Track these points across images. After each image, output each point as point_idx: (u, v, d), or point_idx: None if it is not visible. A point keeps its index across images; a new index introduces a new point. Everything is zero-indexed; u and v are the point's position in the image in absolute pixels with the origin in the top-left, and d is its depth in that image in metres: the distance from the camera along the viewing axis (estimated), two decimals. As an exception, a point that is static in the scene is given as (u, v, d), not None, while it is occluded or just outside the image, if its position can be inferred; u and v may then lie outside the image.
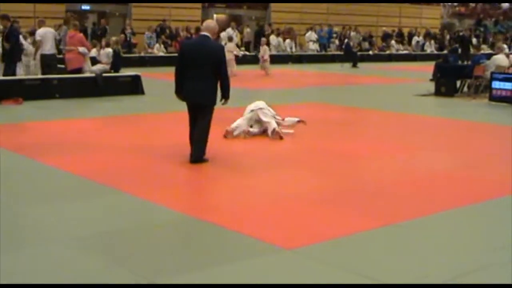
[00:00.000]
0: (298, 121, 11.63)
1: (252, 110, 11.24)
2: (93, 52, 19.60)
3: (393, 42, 40.08)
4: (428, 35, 42.32)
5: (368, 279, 4.89)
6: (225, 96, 9.04)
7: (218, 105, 8.98)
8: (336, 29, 38.63)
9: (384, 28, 41.17)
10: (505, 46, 39.12)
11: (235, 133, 10.87)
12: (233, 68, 23.71)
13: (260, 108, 11.24)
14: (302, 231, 6.07)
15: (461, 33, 37.88)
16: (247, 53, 31.90)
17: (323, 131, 11.74)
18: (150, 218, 6.47)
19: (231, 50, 24.13)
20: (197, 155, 8.91)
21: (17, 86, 15.50)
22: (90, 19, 33.22)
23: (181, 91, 9.00)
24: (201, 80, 8.82)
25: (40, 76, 16.49)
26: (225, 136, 10.77)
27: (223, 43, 24.84)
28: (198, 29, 30.57)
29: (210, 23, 9.33)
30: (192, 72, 8.81)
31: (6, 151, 9.40)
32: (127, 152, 9.80)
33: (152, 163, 9.07)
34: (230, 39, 26.26)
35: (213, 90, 8.92)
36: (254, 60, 28.63)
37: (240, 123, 11.01)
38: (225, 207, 6.92)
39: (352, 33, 37.27)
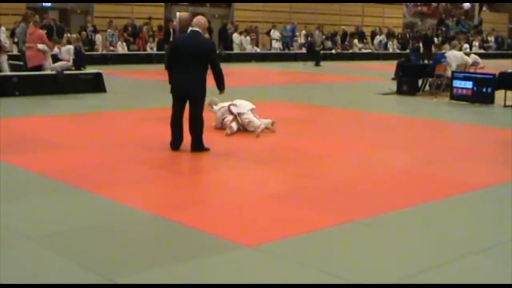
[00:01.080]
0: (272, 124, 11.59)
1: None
2: (54, 50, 19.38)
3: (355, 41, 40.29)
4: (390, 35, 42.60)
5: (331, 276, 4.89)
6: (221, 87, 9.72)
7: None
8: (299, 28, 38.75)
9: (343, 27, 41.35)
10: (466, 45, 39.62)
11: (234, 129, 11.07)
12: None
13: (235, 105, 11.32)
14: (264, 228, 6.06)
15: (423, 32, 38.21)
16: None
17: (285, 129, 11.74)
18: (111, 216, 6.41)
19: None
20: (198, 144, 9.45)
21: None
22: (50, 16, 32.85)
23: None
24: (193, 73, 9.26)
25: (-1, 73, 16.26)
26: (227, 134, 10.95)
27: None
28: (160, 27, 30.55)
29: (200, 19, 9.62)
30: (184, 65, 9.23)
31: (-36, 149, 9.24)
32: (89, 150, 9.70)
33: (114, 161, 8.99)
34: None
35: (203, 82, 9.38)
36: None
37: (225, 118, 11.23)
38: (187, 205, 6.88)
39: (316, 32, 37.37)
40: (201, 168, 8.77)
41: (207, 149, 9.49)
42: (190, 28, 9.62)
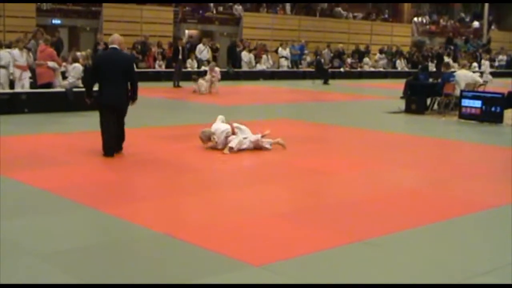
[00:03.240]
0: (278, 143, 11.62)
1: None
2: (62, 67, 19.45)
3: (366, 59, 40.30)
4: (398, 53, 42.61)
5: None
6: (134, 98, 10.68)
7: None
8: (308, 46, 38.82)
9: (352, 47, 41.47)
10: (475, 64, 39.64)
11: (241, 147, 11.10)
12: (205, 86, 23.64)
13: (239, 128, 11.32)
14: (271, 247, 6.05)
15: (435, 51, 38.25)
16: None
17: (293, 147, 11.74)
18: (117, 234, 6.41)
19: (213, 70, 24.23)
20: (120, 147, 10.62)
21: (-16, 100, 15.35)
22: (60, 33, 33.06)
23: (91, 96, 10.74)
24: (117, 86, 10.40)
25: (8, 90, 16.31)
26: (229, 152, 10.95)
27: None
28: (170, 45, 30.62)
29: (117, 37, 10.72)
30: (109, 79, 10.33)
31: (-27, 166, 9.27)
32: (97, 167, 9.74)
33: (122, 178, 9.02)
34: (209, 61, 26.15)
35: (126, 94, 10.55)
36: (225, 76, 28.46)
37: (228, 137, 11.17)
38: (194, 223, 6.88)
39: (324, 50, 37.44)
40: (208, 187, 8.76)
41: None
42: (110, 46, 10.75)
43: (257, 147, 11.20)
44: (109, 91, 10.35)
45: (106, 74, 10.33)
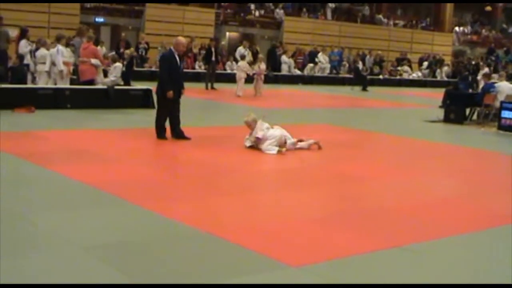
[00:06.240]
0: (314, 143, 11.84)
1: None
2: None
3: (406, 67, 40.17)
4: (439, 62, 42.40)
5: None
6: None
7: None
8: (347, 52, 38.81)
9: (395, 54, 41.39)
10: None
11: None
12: (241, 87, 23.68)
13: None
14: (308, 249, 6.14)
15: (474, 62, 38.03)
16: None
17: (332, 152, 11.82)
18: (158, 231, 6.53)
19: (243, 69, 24.09)
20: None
21: (30, 95, 15.68)
22: (103, 31, 33.52)
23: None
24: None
25: (52, 86, 16.61)
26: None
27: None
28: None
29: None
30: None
31: (17, 159, 9.51)
32: (138, 164, 9.90)
33: (162, 176, 9.17)
34: (242, 57, 26.10)
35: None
36: (264, 79, 28.48)
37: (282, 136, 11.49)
38: (233, 223, 6.98)
39: (366, 57, 37.45)
40: (246, 188, 8.87)
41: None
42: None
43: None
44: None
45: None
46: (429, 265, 5.91)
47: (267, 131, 11.35)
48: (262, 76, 24.71)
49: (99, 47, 23.64)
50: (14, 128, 12.33)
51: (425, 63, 41.60)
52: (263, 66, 24.87)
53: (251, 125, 11.47)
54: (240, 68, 24.11)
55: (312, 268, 5.54)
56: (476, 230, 7.26)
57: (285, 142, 11.36)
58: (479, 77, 26.20)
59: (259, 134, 11.29)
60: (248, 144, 11.49)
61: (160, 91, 12.24)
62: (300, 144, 11.67)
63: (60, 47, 16.68)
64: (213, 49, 26.71)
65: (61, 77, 16.63)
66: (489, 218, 7.85)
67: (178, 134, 12.17)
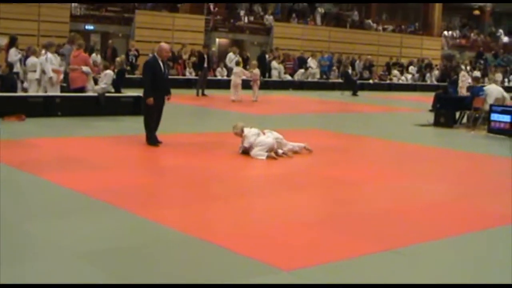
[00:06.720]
0: (304, 148, 11.89)
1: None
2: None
3: (395, 71, 40.30)
4: (428, 66, 42.57)
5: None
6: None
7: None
8: (337, 56, 38.92)
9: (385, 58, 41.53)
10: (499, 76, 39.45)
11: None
12: (238, 93, 23.77)
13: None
14: (300, 253, 6.16)
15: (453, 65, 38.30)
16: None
17: (321, 157, 11.85)
18: (149, 237, 6.55)
19: (239, 75, 24.21)
20: None
21: (20, 103, 15.66)
22: (92, 39, 33.50)
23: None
24: None
25: (42, 93, 16.59)
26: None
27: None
28: (192, 53, 30.77)
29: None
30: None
31: (8, 167, 9.49)
32: (129, 171, 9.91)
33: (152, 182, 9.18)
34: (237, 63, 26.16)
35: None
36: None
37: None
38: (224, 228, 7.00)
39: (356, 62, 37.57)
40: (237, 193, 8.89)
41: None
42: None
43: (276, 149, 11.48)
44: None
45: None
46: (422, 268, 5.94)
47: (257, 138, 11.37)
48: (258, 82, 24.81)
49: (94, 55, 23.71)
50: (5, 137, 12.29)
51: (411, 67, 41.72)
52: (256, 71, 24.95)
53: (240, 135, 11.53)
54: (237, 74, 24.22)
55: (304, 272, 5.56)
56: (469, 231, 7.29)
57: (276, 153, 11.36)
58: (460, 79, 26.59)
59: (246, 144, 11.35)
60: (240, 150, 11.53)
61: (143, 97, 12.34)
62: (291, 144, 11.72)
63: (49, 55, 16.65)
64: (205, 56, 26.71)
65: (51, 84, 16.59)
66: (482, 220, 7.90)
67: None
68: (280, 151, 11.44)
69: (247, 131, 11.45)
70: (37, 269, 5.36)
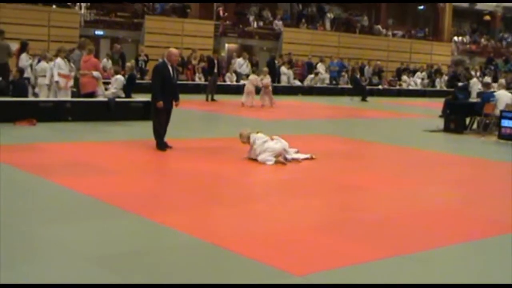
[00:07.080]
0: (309, 158, 11.85)
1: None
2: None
3: (405, 77, 40.23)
4: (437, 72, 42.49)
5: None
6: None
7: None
8: (347, 62, 38.91)
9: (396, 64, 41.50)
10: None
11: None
12: (251, 100, 23.81)
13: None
14: (311, 258, 6.15)
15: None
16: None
17: (330, 162, 11.85)
18: (161, 241, 6.56)
19: (253, 82, 24.29)
20: None
21: (31, 108, 15.73)
22: (102, 44, 33.60)
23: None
24: None
25: (53, 98, 16.65)
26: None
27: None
28: (202, 58, 30.84)
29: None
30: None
31: (20, 171, 9.54)
32: (139, 176, 9.93)
33: (161, 186, 9.20)
34: (253, 71, 26.19)
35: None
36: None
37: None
38: (234, 233, 7.00)
39: (366, 67, 37.54)
40: (247, 199, 8.89)
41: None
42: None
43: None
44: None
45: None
46: (431, 273, 5.93)
47: (264, 144, 11.35)
48: (270, 88, 24.78)
49: (104, 60, 23.80)
50: (16, 141, 12.37)
51: (418, 73, 41.61)
52: (267, 79, 24.83)
53: (248, 142, 11.54)
54: (251, 82, 24.32)
55: (316, 277, 5.56)
56: (478, 238, 7.27)
57: (285, 158, 11.36)
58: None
59: (253, 155, 11.37)
60: (249, 156, 11.54)
61: (152, 102, 12.41)
62: (296, 155, 11.70)
63: (58, 60, 16.71)
64: (215, 61, 26.73)
65: (58, 88, 16.64)
66: (491, 227, 7.86)
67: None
68: (289, 157, 11.44)
69: (253, 137, 11.44)
70: (44, 272, 5.37)
